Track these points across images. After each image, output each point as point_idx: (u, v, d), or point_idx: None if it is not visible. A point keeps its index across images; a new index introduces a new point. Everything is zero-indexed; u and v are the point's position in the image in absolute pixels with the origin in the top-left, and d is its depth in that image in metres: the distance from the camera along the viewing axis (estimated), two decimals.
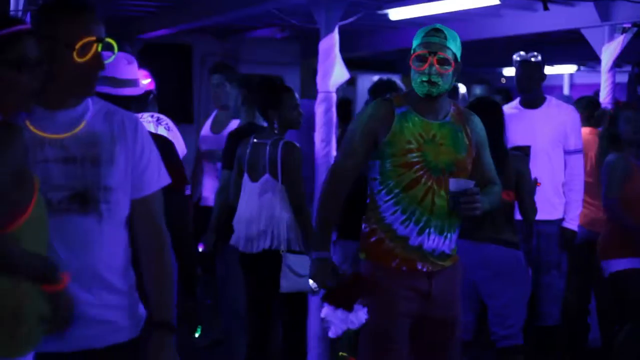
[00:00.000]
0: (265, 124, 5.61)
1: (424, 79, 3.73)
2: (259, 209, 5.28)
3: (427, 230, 3.79)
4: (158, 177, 3.01)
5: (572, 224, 6.13)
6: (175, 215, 4.18)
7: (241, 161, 5.47)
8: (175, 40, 10.27)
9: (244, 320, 5.70)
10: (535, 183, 5.31)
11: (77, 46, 2.75)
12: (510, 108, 6.11)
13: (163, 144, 4.24)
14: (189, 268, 4.39)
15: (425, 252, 3.81)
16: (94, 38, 2.79)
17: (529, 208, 5.22)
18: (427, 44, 3.72)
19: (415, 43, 3.77)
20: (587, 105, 7.56)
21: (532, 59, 6.06)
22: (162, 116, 5.21)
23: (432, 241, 3.81)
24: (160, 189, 3.03)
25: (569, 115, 6.18)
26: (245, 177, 5.41)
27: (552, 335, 6.12)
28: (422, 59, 3.72)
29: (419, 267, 3.81)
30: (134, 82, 3.95)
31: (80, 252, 2.79)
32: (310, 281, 3.83)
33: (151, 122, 5.10)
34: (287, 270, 5.20)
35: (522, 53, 6.11)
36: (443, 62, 3.72)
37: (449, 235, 3.85)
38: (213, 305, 6.87)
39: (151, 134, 4.34)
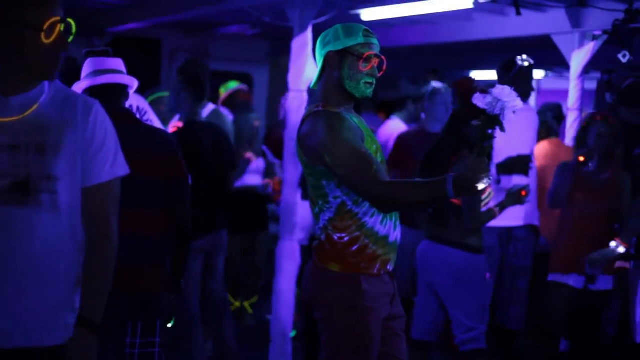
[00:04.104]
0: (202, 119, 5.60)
1: (369, 80, 3.66)
2: None
3: (396, 223, 3.74)
4: (111, 167, 2.90)
5: (537, 221, 6.20)
6: (175, 206, 4.19)
7: None
8: (144, 34, 10.20)
9: (199, 320, 5.66)
10: (521, 192, 5.30)
11: (45, 27, 2.70)
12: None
13: (164, 138, 4.25)
14: (182, 258, 4.39)
15: (396, 245, 3.76)
16: (58, 18, 2.74)
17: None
18: (371, 45, 3.65)
19: (351, 42, 3.62)
20: (547, 119, 7.64)
21: (531, 62, 6.07)
22: (144, 108, 5.19)
23: (398, 231, 3.77)
24: (115, 180, 2.92)
25: (533, 118, 6.27)
26: None
27: (520, 338, 6.16)
28: (368, 59, 3.65)
29: (389, 268, 3.76)
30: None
31: (16, 243, 2.71)
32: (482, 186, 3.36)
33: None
34: None
35: (525, 57, 6.10)
36: (381, 65, 3.69)
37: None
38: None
39: (154, 127, 4.36)
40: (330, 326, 3.71)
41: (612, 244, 5.18)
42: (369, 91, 3.68)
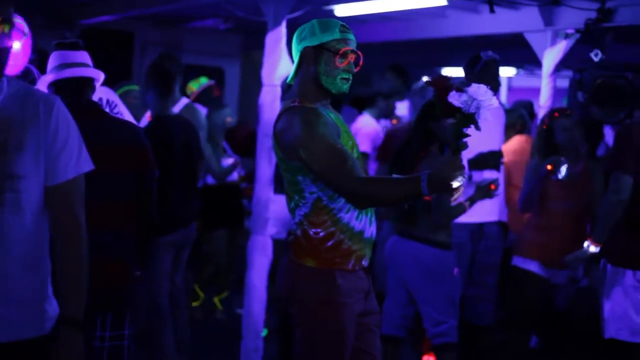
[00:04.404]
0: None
1: (345, 76, 3.67)
2: None
3: (372, 218, 3.75)
4: (76, 164, 2.88)
5: (505, 217, 6.24)
6: (142, 199, 4.17)
7: None
8: (116, 27, 10.12)
9: (166, 315, 5.64)
10: (490, 185, 5.33)
11: None
12: None
13: (131, 130, 4.23)
14: (146, 251, 4.37)
15: (372, 241, 3.77)
16: (1, 18, 2.71)
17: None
18: (347, 41, 3.66)
19: (327, 37, 3.63)
20: (523, 114, 7.68)
21: (497, 58, 6.09)
22: (114, 101, 5.17)
23: (373, 227, 3.78)
24: (79, 177, 2.90)
25: (500, 115, 6.31)
26: None
27: (489, 334, 6.19)
28: (344, 55, 3.65)
29: (364, 264, 3.77)
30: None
31: None
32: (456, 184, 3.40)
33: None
34: None
35: (490, 52, 6.12)
36: (357, 60, 3.69)
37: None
38: None
39: (121, 120, 4.34)
40: (305, 321, 3.71)
41: (585, 244, 5.22)
42: (345, 87, 3.68)
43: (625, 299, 5.16)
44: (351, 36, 3.68)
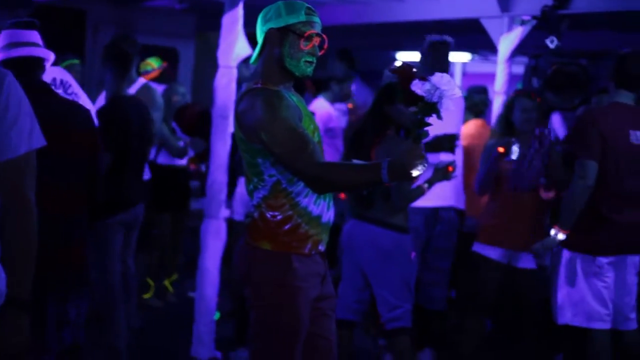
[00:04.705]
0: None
1: (310, 59, 3.63)
2: None
3: (329, 203, 3.73)
4: (28, 139, 2.82)
5: (462, 204, 6.25)
6: (90, 180, 4.13)
7: None
8: (68, 5, 9.96)
9: (119, 295, 5.60)
10: (447, 167, 5.32)
11: None
12: None
13: (81, 111, 4.17)
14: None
15: (329, 226, 3.75)
16: None
17: None
18: (312, 23, 3.62)
19: (293, 20, 3.59)
20: (479, 98, 7.70)
21: (447, 41, 6.07)
22: (68, 82, 5.09)
23: (331, 212, 3.76)
24: (32, 152, 2.84)
25: (460, 102, 6.29)
26: None
27: (442, 319, 6.21)
28: (309, 38, 3.61)
29: (321, 249, 3.74)
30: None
31: None
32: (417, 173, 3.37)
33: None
34: None
35: (438, 36, 6.12)
36: (322, 44, 3.66)
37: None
38: None
39: (71, 101, 4.27)
40: (260, 304, 3.68)
41: (552, 231, 5.23)
42: (309, 70, 3.65)
43: (584, 285, 5.20)
44: (317, 19, 3.64)
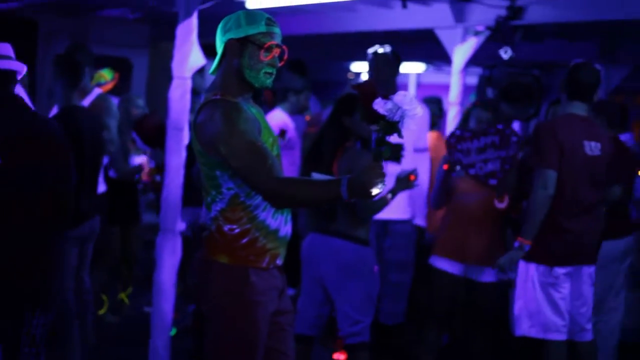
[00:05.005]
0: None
1: (269, 70, 3.61)
2: None
3: (287, 217, 3.71)
4: None
5: (421, 220, 6.23)
6: (63, 192, 4.09)
7: None
8: (20, 14, 9.82)
9: (73, 310, 5.52)
10: (409, 176, 5.30)
11: None
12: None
13: (53, 124, 4.13)
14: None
15: (286, 240, 3.72)
16: None
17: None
18: (273, 34, 3.59)
19: (253, 30, 3.55)
20: (433, 109, 7.73)
21: (392, 53, 6.07)
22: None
23: (289, 226, 3.74)
24: None
25: (422, 113, 6.28)
26: None
27: (399, 333, 6.20)
28: (269, 49, 3.58)
29: (278, 263, 3.71)
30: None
31: None
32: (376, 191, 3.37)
33: None
34: None
35: (382, 46, 6.13)
36: (282, 55, 3.63)
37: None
38: None
39: (44, 116, 4.25)
40: (217, 319, 3.65)
41: (516, 243, 5.24)
42: (269, 81, 3.62)
43: (540, 296, 5.22)
44: (277, 30, 3.61)
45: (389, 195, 5.19)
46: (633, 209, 6.49)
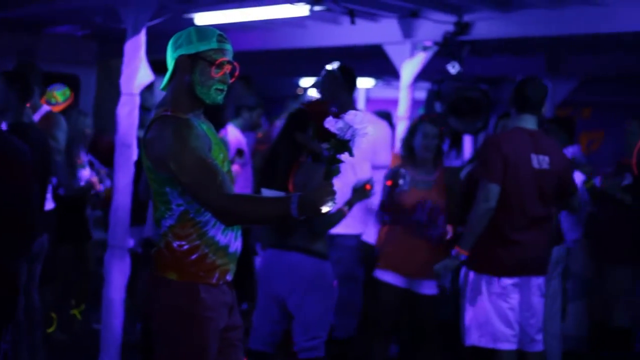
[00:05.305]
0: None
1: (220, 87, 3.60)
2: None
3: (237, 233, 3.70)
4: None
5: (371, 237, 6.24)
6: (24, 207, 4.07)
7: None
8: None
9: (23, 328, 5.47)
10: (365, 186, 5.31)
11: None
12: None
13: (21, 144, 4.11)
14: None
15: (237, 255, 3.71)
16: None
17: None
18: (224, 51, 3.58)
19: (204, 47, 3.54)
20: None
21: (342, 70, 6.10)
22: None
23: (239, 242, 3.72)
24: None
25: (382, 130, 6.31)
26: None
27: (350, 347, 6.20)
28: (221, 66, 3.57)
29: (228, 279, 3.70)
30: None
31: None
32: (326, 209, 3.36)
33: None
34: None
35: (333, 64, 6.16)
36: (233, 71, 3.64)
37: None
38: None
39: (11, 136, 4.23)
40: (167, 335, 3.62)
41: (454, 252, 5.28)
42: (220, 98, 3.61)
43: (489, 306, 5.27)
44: (228, 46, 3.60)
45: (346, 208, 5.20)
46: (563, 219, 6.61)
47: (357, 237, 6.20)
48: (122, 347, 5.96)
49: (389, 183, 5.79)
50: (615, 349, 7.29)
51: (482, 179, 5.22)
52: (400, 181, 5.77)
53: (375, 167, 6.08)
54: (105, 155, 7.10)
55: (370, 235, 6.32)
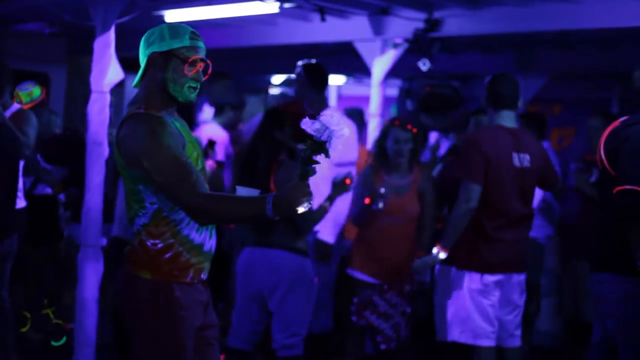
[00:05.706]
0: None
1: (193, 84, 3.58)
2: None
3: (212, 232, 3.69)
4: None
5: (327, 236, 6.22)
6: None
7: None
8: None
9: (10, 316, 5.44)
10: (345, 180, 5.30)
11: None
12: None
13: None
14: None
15: (211, 254, 3.70)
16: None
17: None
18: (197, 49, 3.57)
19: (177, 44, 3.53)
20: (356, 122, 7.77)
21: (318, 66, 6.10)
22: None
23: (213, 240, 3.71)
24: None
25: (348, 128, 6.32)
26: None
27: (326, 343, 6.21)
28: (193, 63, 3.55)
29: (203, 277, 3.69)
30: None
31: None
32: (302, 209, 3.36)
33: None
34: None
35: (307, 60, 6.15)
36: (206, 69, 3.62)
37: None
38: None
39: None
40: (141, 335, 3.60)
41: (434, 250, 5.29)
42: (193, 95, 3.59)
43: (470, 303, 5.29)
44: (201, 44, 3.59)
45: (327, 204, 5.20)
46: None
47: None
48: (96, 346, 5.94)
49: (367, 201, 5.76)
50: (586, 344, 7.33)
51: (464, 179, 5.22)
52: (380, 204, 5.72)
53: (341, 164, 6.09)
54: (49, 153, 7.03)
55: (326, 234, 6.26)
